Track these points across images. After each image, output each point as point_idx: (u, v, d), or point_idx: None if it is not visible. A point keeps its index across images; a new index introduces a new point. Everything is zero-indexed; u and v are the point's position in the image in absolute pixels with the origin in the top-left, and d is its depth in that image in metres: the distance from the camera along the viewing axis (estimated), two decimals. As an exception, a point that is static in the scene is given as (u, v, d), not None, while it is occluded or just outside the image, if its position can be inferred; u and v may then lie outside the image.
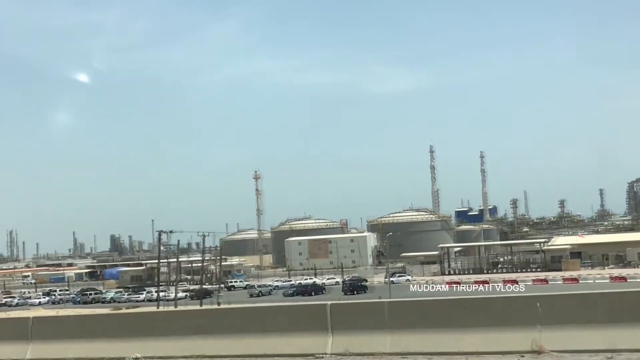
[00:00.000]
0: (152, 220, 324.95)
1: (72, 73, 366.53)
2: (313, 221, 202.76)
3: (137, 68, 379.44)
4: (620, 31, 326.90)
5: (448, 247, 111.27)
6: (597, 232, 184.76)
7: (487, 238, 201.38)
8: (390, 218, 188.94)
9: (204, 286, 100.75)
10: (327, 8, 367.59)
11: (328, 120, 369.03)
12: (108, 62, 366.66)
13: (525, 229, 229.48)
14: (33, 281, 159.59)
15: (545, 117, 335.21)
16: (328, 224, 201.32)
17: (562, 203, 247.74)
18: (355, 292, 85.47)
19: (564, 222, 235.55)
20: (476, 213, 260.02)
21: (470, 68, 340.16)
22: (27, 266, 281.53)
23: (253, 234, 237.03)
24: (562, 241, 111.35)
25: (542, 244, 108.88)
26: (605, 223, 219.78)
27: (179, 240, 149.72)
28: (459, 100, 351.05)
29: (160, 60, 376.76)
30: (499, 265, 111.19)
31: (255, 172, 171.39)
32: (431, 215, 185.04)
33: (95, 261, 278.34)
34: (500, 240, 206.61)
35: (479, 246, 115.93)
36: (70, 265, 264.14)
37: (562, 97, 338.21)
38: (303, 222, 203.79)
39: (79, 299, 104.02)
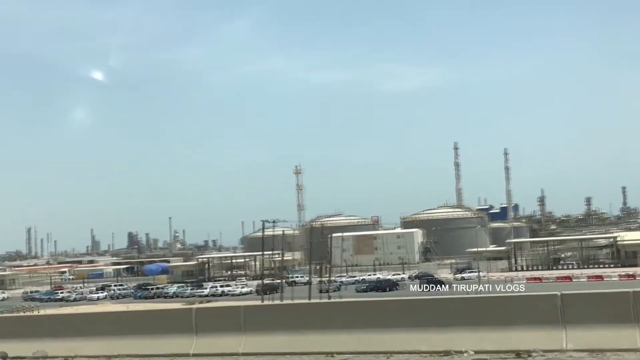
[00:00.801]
0: (170, 217, 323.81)
1: (88, 71, 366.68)
2: (344, 218, 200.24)
3: (152, 66, 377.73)
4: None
5: (514, 243, 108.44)
6: (630, 230, 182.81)
7: (518, 235, 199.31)
8: (425, 215, 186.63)
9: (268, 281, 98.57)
10: (340, 7, 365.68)
11: (342, 118, 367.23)
12: (124, 60, 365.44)
13: (553, 227, 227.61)
14: (72, 277, 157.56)
15: (559, 116, 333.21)
16: (360, 220, 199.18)
17: (588, 201, 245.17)
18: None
19: (592, 220, 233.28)
20: (497, 211, 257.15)
21: (485, 66, 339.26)
22: (47, 263, 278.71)
23: (276, 231, 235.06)
24: (632, 237, 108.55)
25: (614, 239, 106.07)
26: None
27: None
28: (473, 98, 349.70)
29: (175, 58, 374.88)
30: (560, 262, 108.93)
31: (296, 167, 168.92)
32: (467, 212, 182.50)
33: (115, 258, 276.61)
34: (530, 238, 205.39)
35: (547, 241, 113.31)
36: (91, 262, 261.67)
37: (576, 95, 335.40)
38: (334, 218, 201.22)
39: (139, 293, 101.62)
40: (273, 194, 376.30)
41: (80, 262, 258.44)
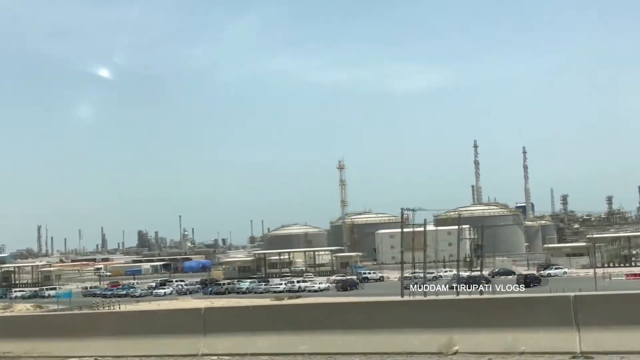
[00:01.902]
0: (180, 216, 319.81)
1: (95, 69, 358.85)
2: (374, 215, 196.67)
3: (158, 64, 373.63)
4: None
5: (595, 238, 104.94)
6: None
7: (545, 234, 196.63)
8: (456, 212, 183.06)
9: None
10: (347, 5, 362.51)
11: (350, 117, 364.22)
12: (130, 58, 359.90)
13: (576, 226, 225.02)
14: (108, 273, 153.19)
15: (564, 116, 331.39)
16: (390, 218, 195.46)
17: (609, 199, 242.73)
18: (531, 285, 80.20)
19: (615, 219, 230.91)
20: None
21: (495, 66, 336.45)
22: (61, 261, 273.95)
23: (297, 229, 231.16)
24: None
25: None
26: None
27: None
28: (482, 97, 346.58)
29: (181, 56, 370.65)
30: (632, 258, 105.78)
31: (339, 161, 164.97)
32: (503, 210, 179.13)
33: (129, 256, 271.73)
34: (557, 236, 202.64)
35: (628, 237, 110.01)
36: (105, 259, 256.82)
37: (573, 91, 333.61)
38: (364, 216, 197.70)
39: (210, 289, 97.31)
40: (280, 193, 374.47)
41: (94, 260, 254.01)
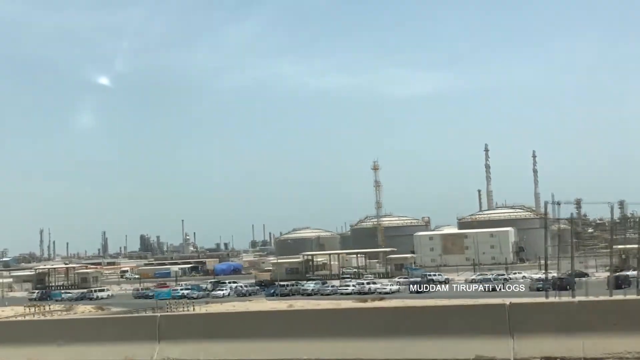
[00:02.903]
0: (183, 220, 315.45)
1: (96, 73, 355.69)
2: (395, 218, 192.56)
3: (159, 69, 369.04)
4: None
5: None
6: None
7: (564, 238, 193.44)
8: (484, 215, 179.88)
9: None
10: (347, 11, 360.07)
11: (350, 122, 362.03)
12: (129, 63, 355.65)
13: (590, 230, 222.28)
14: (137, 276, 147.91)
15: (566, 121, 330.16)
16: (412, 221, 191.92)
17: (621, 204, 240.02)
18: (622, 287, 76.26)
19: (630, 224, 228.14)
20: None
21: (495, 71, 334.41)
22: (66, 264, 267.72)
23: (309, 233, 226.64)
24: None
25: None
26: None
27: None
28: (483, 102, 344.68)
29: (180, 61, 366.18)
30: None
31: (374, 162, 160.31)
32: (529, 213, 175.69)
33: (133, 260, 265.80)
34: (575, 240, 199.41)
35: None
36: (111, 264, 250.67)
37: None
38: (385, 219, 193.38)
39: (272, 290, 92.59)
40: (280, 198, 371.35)
41: (99, 264, 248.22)
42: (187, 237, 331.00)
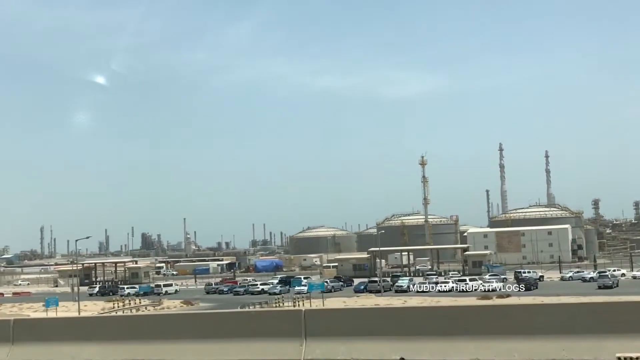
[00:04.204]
0: (184, 219, 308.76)
1: (93, 72, 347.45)
2: (423, 216, 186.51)
3: (155, 68, 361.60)
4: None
5: None
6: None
7: (588, 238, 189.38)
8: (516, 214, 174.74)
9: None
10: (343, 11, 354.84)
11: (346, 122, 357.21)
12: (126, 62, 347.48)
13: (608, 231, 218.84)
14: (175, 272, 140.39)
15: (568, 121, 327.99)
16: (441, 219, 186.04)
17: (637, 205, 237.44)
18: None
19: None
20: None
21: (492, 72, 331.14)
22: (71, 262, 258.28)
23: (324, 232, 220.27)
24: None
25: None
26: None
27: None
28: (481, 104, 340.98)
29: (178, 60, 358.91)
30: None
31: (422, 157, 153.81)
32: (563, 212, 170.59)
33: (138, 259, 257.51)
34: (598, 240, 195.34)
35: None
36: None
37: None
38: (413, 217, 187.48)
39: (363, 287, 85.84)
40: (279, 197, 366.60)
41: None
42: (188, 236, 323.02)
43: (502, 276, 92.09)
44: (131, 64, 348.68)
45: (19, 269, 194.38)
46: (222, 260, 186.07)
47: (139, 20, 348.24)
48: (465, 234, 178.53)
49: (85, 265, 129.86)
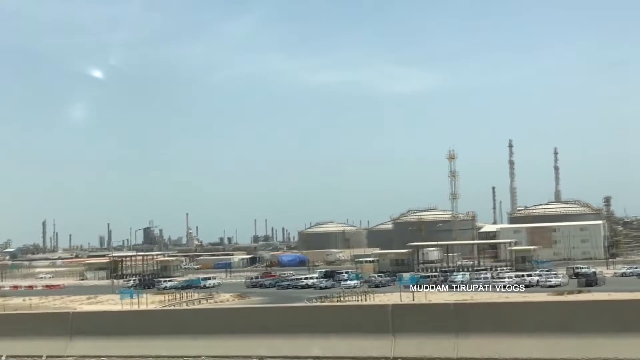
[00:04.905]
0: (187, 214, 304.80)
1: (91, 66, 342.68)
2: (441, 212, 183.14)
3: (153, 63, 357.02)
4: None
5: None
6: None
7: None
8: (536, 210, 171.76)
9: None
10: (343, 8, 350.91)
11: (346, 118, 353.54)
12: (124, 56, 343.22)
13: (620, 228, 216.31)
14: (197, 266, 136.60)
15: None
16: (459, 215, 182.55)
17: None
18: None
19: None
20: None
21: (488, 70, 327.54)
22: (76, 256, 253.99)
23: (334, 227, 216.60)
24: None
25: None
26: None
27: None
28: (478, 101, 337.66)
29: (176, 56, 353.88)
30: None
31: (450, 151, 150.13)
32: (584, 208, 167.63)
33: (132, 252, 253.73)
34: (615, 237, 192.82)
35: None
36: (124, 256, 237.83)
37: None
38: (429, 213, 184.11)
39: (414, 281, 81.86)
40: (280, 192, 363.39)
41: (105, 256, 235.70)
42: (190, 231, 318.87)
43: (553, 272, 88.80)
44: (128, 59, 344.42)
45: (27, 263, 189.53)
46: (232, 254, 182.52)
47: (137, 15, 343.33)
48: (481, 230, 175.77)
49: (114, 258, 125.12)
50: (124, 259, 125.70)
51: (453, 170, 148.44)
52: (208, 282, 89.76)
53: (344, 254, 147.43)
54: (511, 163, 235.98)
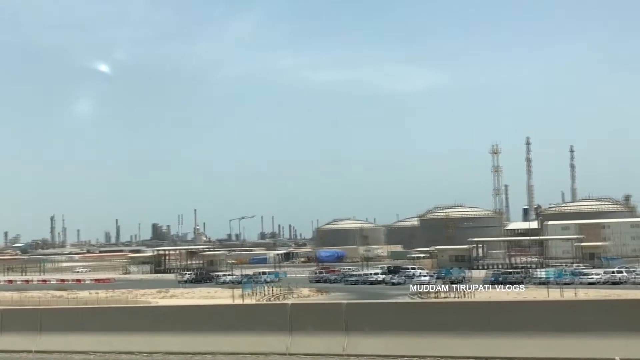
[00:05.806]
0: (195, 210, 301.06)
1: (97, 63, 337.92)
2: (467, 209, 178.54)
3: (159, 59, 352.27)
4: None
5: None
6: None
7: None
8: (569, 207, 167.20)
9: None
10: (345, 7, 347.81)
11: (349, 116, 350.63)
12: (130, 52, 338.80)
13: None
14: (232, 261, 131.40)
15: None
16: (485, 212, 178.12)
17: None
18: None
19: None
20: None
21: (492, 68, 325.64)
22: (88, 251, 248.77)
23: (351, 224, 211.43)
24: None
25: None
26: None
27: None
28: (480, 99, 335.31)
29: (181, 52, 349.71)
30: None
31: (493, 146, 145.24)
32: (616, 206, 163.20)
33: (143, 247, 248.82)
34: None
35: None
36: (136, 251, 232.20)
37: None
38: (456, 210, 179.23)
39: (494, 278, 77.21)
40: (286, 190, 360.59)
41: (121, 252, 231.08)
42: (197, 227, 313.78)
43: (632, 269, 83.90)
44: (134, 54, 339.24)
45: (43, 257, 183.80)
46: (250, 250, 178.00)
47: (143, 11, 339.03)
48: (506, 227, 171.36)
49: (158, 252, 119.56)
50: (167, 252, 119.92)
51: (496, 165, 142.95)
52: (265, 277, 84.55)
53: (382, 249, 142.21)
54: (528, 160, 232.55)
